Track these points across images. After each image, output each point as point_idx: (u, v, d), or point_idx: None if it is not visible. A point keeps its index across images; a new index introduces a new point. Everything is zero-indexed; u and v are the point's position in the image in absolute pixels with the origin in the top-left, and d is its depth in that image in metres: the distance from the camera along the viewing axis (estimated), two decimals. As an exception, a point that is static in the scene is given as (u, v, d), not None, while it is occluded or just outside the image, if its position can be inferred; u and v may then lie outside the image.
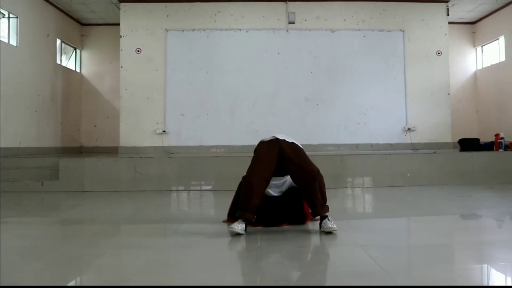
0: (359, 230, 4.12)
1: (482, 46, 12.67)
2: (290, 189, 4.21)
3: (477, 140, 9.30)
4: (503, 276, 2.84)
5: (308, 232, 3.96)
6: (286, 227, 4.10)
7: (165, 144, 10.70)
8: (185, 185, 7.54)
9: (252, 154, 4.17)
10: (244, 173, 3.98)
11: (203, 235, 3.94)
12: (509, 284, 2.68)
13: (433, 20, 11.22)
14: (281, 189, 4.19)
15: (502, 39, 11.62)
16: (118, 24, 11.02)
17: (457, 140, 9.54)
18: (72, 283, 2.75)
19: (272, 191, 4.14)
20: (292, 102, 10.87)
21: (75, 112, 12.34)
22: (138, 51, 10.87)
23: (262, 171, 3.90)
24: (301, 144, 4.22)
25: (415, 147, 10.62)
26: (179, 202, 6.71)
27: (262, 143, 4.18)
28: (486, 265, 3.07)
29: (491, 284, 2.74)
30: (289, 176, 4.14)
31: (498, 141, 8.62)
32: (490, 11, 11.87)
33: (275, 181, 4.12)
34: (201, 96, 10.82)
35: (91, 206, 6.05)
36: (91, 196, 6.84)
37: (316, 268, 2.97)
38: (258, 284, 2.58)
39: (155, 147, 10.66)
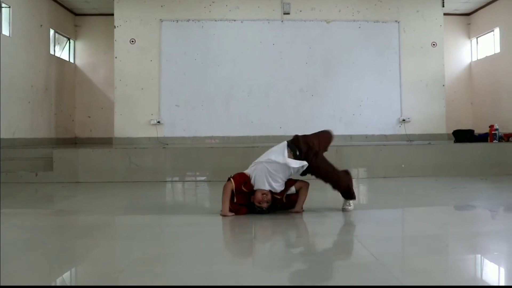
0: (355, 221, 4.14)
1: (477, 38, 12.67)
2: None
3: (471, 131, 9.32)
4: (497, 266, 2.85)
5: (302, 222, 3.96)
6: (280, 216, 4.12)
7: (159, 135, 10.67)
8: (180, 176, 7.53)
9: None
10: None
11: (198, 226, 3.94)
12: (502, 275, 2.69)
13: (428, 11, 11.20)
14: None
15: (497, 30, 11.62)
16: (112, 15, 10.93)
17: (451, 131, 9.56)
18: (66, 274, 2.74)
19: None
20: (287, 93, 10.85)
21: (69, 103, 12.27)
22: (132, 41, 10.80)
23: None
24: (296, 135, 4.31)
25: (409, 138, 10.64)
26: (174, 193, 6.71)
27: None
28: (479, 255, 3.08)
29: (484, 276, 2.74)
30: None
31: (492, 132, 8.64)
32: (485, 2, 11.86)
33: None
34: (196, 87, 10.77)
35: (85, 197, 6.04)
36: (85, 187, 6.83)
37: (311, 259, 2.97)
38: (255, 283, 2.58)
39: (149, 138, 10.62)
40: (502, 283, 2.55)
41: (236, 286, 2.45)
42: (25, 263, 2.81)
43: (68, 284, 2.66)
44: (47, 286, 2.49)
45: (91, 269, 2.80)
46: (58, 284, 2.58)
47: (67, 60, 12.37)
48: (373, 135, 10.85)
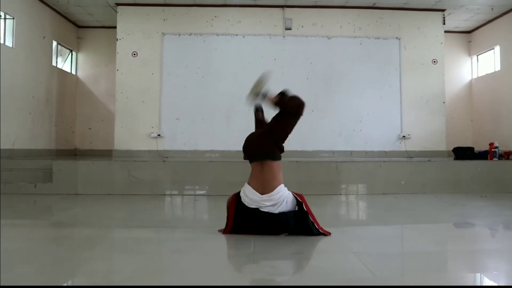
0: (353, 237, 4.12)
1: (477, 55, 12.73)
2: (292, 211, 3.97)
3: (471, 148, 9.33)
4: (496, 285, 2.84)
5: (302, 238, 3.94)
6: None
7: (159, 148, 10.67)
8: (179, 190, 7.51)
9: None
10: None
11: (196, 240, 3.92)
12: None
13: (429, 29, 11.27)
14: (276, 206, 3.92)
15: (497, 48, 11.69)
16: (115, 27, 11.01)
17: (451, 148, 9.56)
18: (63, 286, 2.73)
19: (266, 208, 3.92)
20: (288, 108, 10.83)
21: (70, 114, 12.30)
22: (134, 54, 10.86)
23: None
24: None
25: (409, 155, 10.64)
26: (172, 206, 6.69)
27: None
28: (479, 274, 3.07)
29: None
30: (283, 195, 3.98)
31: (493, 150, 8.65)
32: (486, 20, 11.94)
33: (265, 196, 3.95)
34: (197, 101, 10.80)
35: (84, 209, 6.02)
36: (84, 199, 6.81)
37: (309, 275, 2.96)
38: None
39: (149, 151, 10.63)
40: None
41: (236, 286, 2.44)
42: (22, 275, 2.79)
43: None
44: (46, 286, 2.48)
45: (88, 281, 2.79)
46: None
47: (69, 71, 12.43)
48: (373, 151, 10.84)
